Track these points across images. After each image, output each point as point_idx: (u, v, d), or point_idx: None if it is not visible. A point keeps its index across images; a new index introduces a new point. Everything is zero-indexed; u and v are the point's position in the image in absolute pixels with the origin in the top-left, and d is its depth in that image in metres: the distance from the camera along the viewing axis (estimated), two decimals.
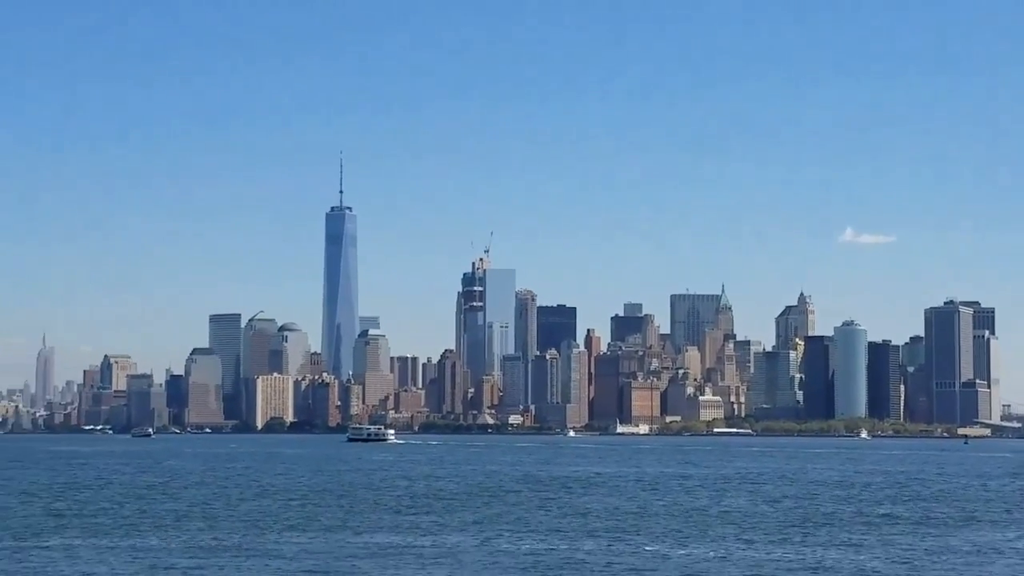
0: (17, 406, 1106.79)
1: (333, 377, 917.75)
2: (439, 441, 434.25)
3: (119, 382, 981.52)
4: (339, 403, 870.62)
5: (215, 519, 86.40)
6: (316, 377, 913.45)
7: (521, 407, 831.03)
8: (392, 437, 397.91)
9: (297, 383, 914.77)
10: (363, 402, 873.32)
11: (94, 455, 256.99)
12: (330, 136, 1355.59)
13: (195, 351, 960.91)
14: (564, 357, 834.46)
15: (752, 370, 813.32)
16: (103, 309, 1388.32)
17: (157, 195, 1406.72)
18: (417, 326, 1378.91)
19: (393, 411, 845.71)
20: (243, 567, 59.21)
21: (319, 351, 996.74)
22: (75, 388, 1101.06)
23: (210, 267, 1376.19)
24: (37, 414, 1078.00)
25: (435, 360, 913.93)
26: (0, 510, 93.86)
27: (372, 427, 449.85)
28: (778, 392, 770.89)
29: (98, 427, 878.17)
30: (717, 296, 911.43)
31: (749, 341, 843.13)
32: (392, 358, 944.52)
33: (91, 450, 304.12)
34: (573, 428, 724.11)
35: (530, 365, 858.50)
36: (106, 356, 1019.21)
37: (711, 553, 66.32)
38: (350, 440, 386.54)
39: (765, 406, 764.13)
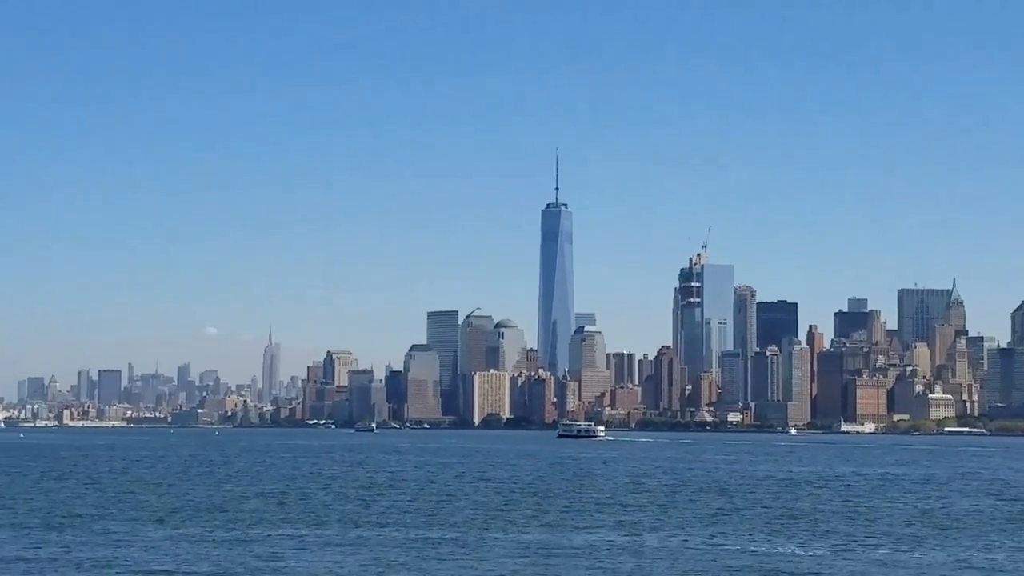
0: (246, 400, 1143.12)
1: (549, 374, 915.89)
2: (650, 438, 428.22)
3: (341, 378, 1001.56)
4: (555, 399, 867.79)
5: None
6: (532, 373, 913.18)
7: (740, 404, 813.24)
8: (602, 434, 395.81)
9: (513, 379, 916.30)
10: (579, 399, 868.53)
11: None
12: (546, 134, 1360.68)
13: (414, 347, 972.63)
14: (785, 354, 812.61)
15: (986, 367, 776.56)
16: (326, 306, 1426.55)
17: (377, 195, 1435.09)
18: (633, 322, 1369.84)
19: (609, 408, 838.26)
20: (464, 562, 52.71)
21: (535, 347, 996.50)
22: (299, 383, 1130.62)
23: (428, 265, 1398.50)
24: (264, 408, 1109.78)
25: (651, 356, 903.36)
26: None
27: (582, 424, 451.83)
28: (1014, 390, 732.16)
29: (321, 421, 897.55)
30: (948, 290, 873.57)
31: (982, 337, 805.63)
32: (608, 354, 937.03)
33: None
34: (795, 426, 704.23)
35: (750, 362, 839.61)
36: (329, 352, 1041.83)
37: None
38: (560, 436, 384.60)
39: (1000, 404, 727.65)
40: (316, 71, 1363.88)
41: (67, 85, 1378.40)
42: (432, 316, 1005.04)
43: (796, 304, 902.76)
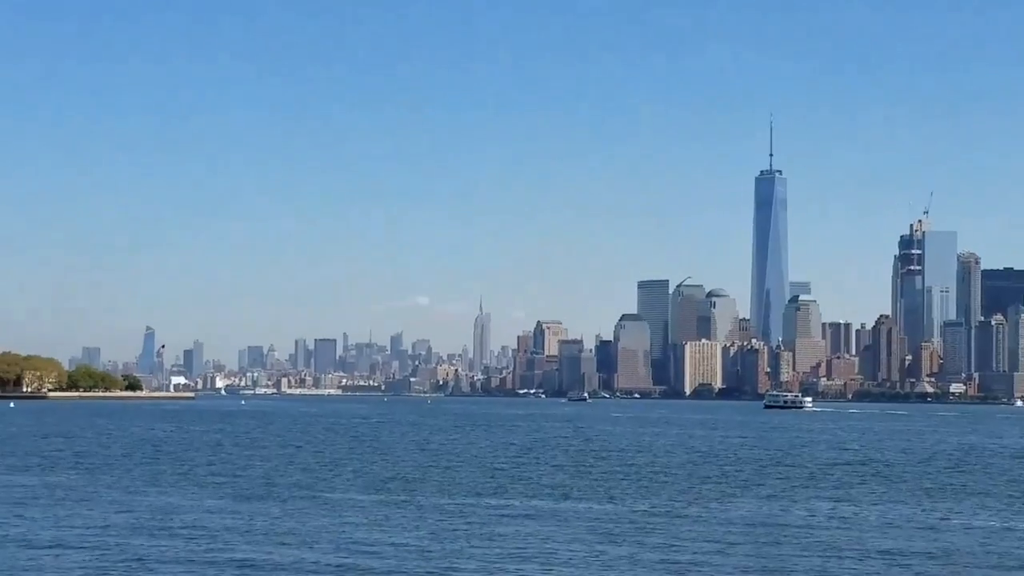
0: (457, 370, 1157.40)
1: (762, 343, 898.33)
2: (858, 410, 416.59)
3: (551, 347, 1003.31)
4: (768, 370, 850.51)
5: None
6: (745, 343, 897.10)
7: (963, 375, 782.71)
8: (809, 405, 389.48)
9: (725, 349, 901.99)
10: (793, 369, 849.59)
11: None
12: (760, 99, 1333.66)
13: (624, 317, 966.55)
14: (1012, 323, 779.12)
15: None
16: (536, 276, 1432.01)
17: (588, 166, 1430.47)
18: (850, 291, 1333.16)
19: (825, 378, 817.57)
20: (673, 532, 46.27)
21: (747, 317, 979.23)
22: (509, 353, 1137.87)
23: (639, 234, 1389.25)
24: (475, 378, 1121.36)
25: (869, 326, 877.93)
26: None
27: (789, 394, 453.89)
28: None
29: (531, 391, 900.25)
30: None
31: None
32: (824, 324, 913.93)
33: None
34: (1021, 398, 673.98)
35: (973, 331, 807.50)
36: (539, 322, 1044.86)
37: None
38: (767, 407, 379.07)
39: None
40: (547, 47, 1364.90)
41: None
42: (643, 285, 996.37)
43: None
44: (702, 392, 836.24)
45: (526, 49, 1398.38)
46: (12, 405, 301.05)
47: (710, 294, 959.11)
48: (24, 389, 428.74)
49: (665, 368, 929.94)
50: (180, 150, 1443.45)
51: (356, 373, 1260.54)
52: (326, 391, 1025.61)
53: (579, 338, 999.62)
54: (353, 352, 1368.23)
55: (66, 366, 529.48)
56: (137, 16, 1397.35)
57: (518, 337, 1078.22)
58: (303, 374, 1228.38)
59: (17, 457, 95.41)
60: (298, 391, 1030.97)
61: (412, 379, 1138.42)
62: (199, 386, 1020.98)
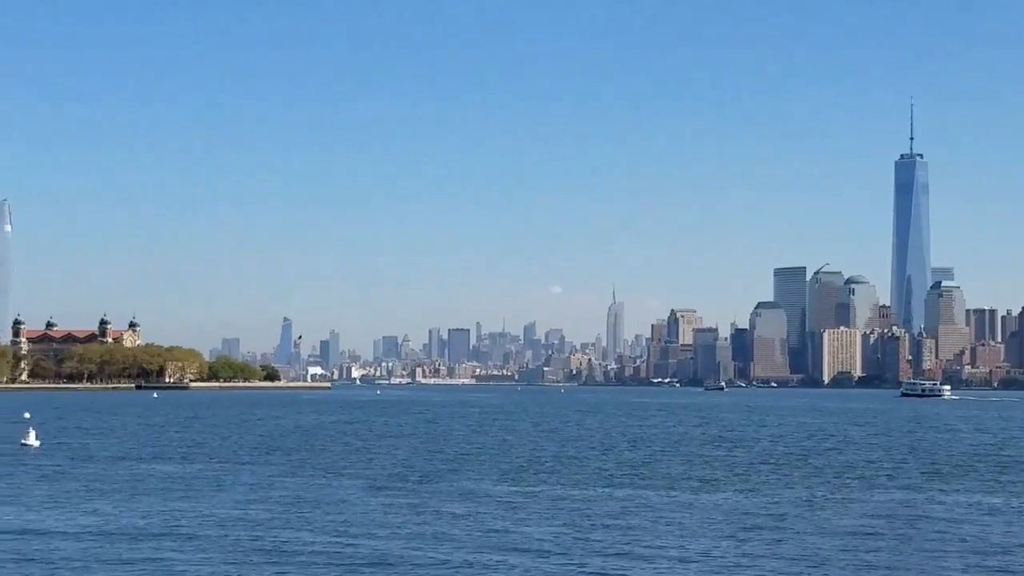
0: (590, 359, 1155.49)
1: (903, 331, 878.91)
2: (999, 398, 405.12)
3: (685, 336, 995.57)
4: (910, 357, 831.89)
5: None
6: (885, 331, 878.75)
7: None
8: (948, 393, 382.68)
9: (865, 337, 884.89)
10: (936, 356, 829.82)
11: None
12: (901, 82, 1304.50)
13: (760, 305, 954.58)
14: None
15: None
16: (670, 264, 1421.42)
17: (724, 149, 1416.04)
18: (995, 277, 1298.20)
19: (969, 366, 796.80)
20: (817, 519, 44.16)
21: (888, 304, 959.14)
22: (643, 342, 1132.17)
23: (775, 220, 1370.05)
24: (608, 367, 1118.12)
25: (1016, 312, 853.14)
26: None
27: (927, 383, 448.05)
28: None
29: (666, 380, 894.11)
30: None
31: None
32: (968, 310, 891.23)
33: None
34: None
35: None
36: (672, 310, 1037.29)
37: None
38: (903, 395, 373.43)
39: None
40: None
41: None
42: (779, 272, 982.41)
43: None
44: (841, 380, 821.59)
45: (665, 38, 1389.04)
46: (156, 395, 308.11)
47: (849, 280, 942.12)
48: (167, 380, 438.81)
49: (803, 356, 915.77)
50: (322, 146, 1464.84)
51: (490, 363, 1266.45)
52: (460, 381, 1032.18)
53: (714, 326, 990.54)
54: (487, 342, 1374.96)
55: (207, 357, 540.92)
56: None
57: (652, 325, 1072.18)
58: (437, 364, 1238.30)
59: (161, 447, 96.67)
60: (432, 381, 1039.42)
61: (545, 368, 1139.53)
62: (335, 376, 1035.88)
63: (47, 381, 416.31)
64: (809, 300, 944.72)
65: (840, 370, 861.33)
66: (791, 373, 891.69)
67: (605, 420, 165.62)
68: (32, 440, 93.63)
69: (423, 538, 43.14)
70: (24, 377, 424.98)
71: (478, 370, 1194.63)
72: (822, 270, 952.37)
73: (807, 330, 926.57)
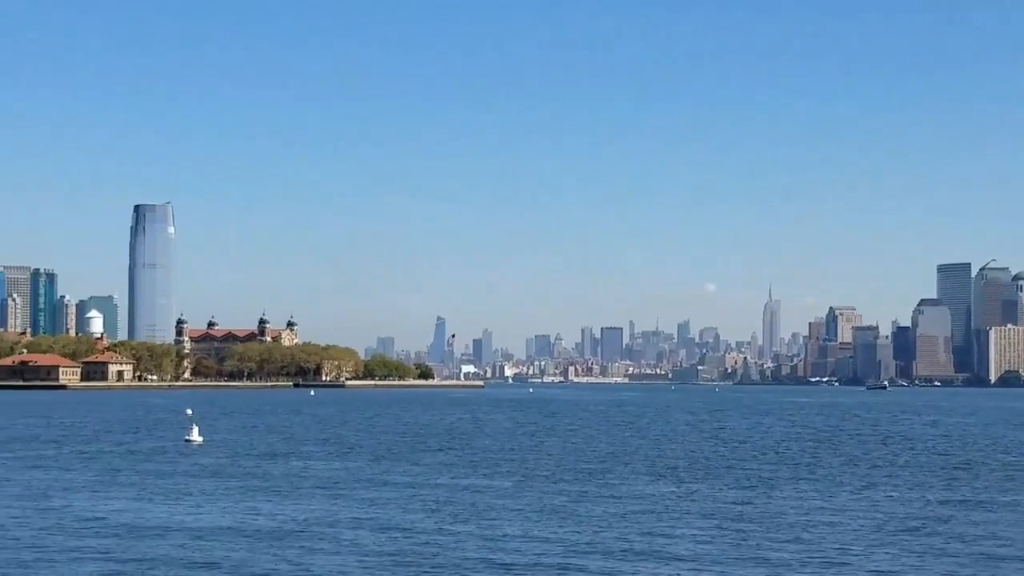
0: (745, 357, 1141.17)
1: None
2: None
3: (844, 334, 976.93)
4: None
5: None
6: None
7: None
8: None
9: None
10: None
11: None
12: None
13: (922, 302, 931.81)
14: None
15: None
16: (827, 261, 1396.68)
17: (875, 145, 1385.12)
18: None
19: None
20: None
21: None
22: (800, 340, 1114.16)
23: (938, 215, 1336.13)
24: (764, 365, 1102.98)
25: None
26: None
27: None
28: None
29: (824, 379, 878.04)
30: None
31: None
32: None
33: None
34: None
35: None
36: (831, 308, 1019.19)
37: None
38: None
39: None
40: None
41: None
42: (942, 269, 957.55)
43: None
44: (1009, 380, 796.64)
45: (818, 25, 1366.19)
46: (312, 393, 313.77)
47: (1016, 277, 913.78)
48: (324, 378, 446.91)
49: (968, 355, 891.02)
50: (479, 145, 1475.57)
51: (643, 361, 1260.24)
52: (613, 379, 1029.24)
53: (874, 324, 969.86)
54: (640, 340, 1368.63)
55: (362, 355, 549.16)
56: None
57: (809, 323, 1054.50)
58: (590, 363, 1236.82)
59: (318, 444, 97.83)
60: (585, 380, 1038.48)
61: (699, 367, 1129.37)
62: (488, 374, 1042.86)
63: (208, 379, 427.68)
64: (974, 297, 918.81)
65: (1008, 368, 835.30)
66: (955, 372, 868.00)
67: (762, 419, 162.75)
68: (195, 436, 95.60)
69: (576, 540, 42.40)
70: (187, 375, 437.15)
71: (631, 369, 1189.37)
72: (988, 266, 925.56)
73: (972, 328, 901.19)
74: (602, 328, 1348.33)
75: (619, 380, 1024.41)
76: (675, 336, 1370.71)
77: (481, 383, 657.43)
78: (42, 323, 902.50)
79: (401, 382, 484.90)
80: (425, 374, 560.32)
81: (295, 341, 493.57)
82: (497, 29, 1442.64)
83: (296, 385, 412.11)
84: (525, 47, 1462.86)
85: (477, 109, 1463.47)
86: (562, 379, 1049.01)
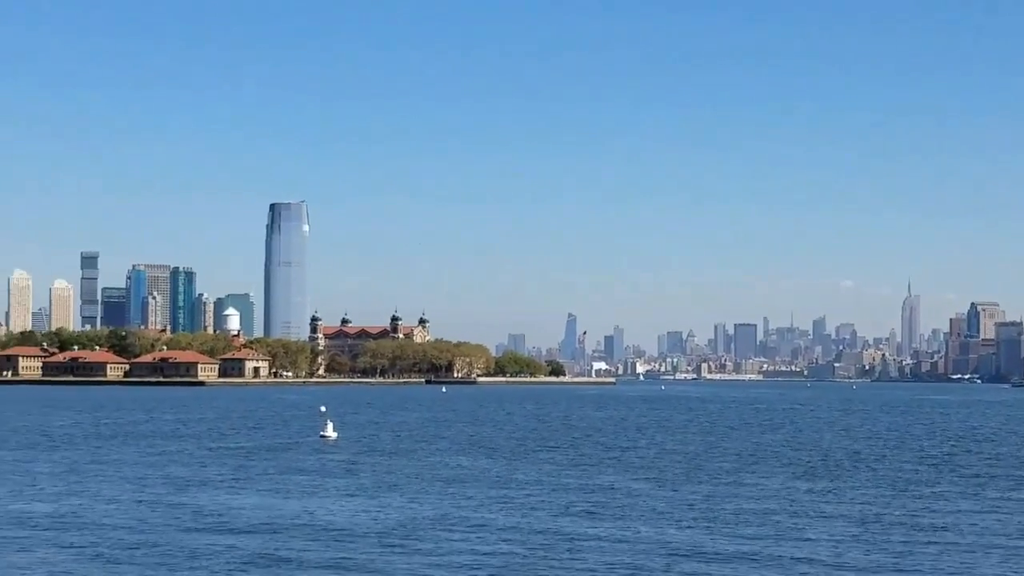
0: (884, 354, 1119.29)
1: None
2: None
3: (987, 330, 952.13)
4: None
5: None
6: None
7: None
8: None
9: None
10: None
11: None
12: None
13: None
14: None
15: None
16: (969, 255, 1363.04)
17: (1014, 132, 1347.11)
18: None
19: None
20: None
21: None
22: (941, 336, 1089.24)
23: None
24: (903, 363, 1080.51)
25: None
26: None
27: None
28: None
29: (965, 376, 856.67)
30: None
31: None
32: None
33: None
34: None
35: None
36: (972, 304, 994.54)
37: None
38: None
39: None
40: None
41: None
42: None
43: None
44: None
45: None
46: (444, 390, 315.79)
47: None
48: (455, 374, 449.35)
49: None
50: (607, 144, 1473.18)
51: (777, 358, 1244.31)
52: (746, 376, 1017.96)
53: (1018, 320, 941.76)
54: (774, 337, 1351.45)
55: (493, 352, 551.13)
56: None
57: (950, 320, 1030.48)
58: (723, 359, 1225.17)
59: (450, 440, 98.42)
60: (718, 376, 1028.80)
61: (836, 364, 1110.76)
62: (619, 371, 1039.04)
63: (342, 376, 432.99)
64: None
65: None
66: None
67: (902, 416, 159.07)
68: (330, 432, 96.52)
69: (704, 540, 41.61)
70: (321, 372, 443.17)
71: (765, 366, 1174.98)
72: None
73: None
74: (735, 324, 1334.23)
75: (753, 377, 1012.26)
76: (810, 332, 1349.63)
77: (613, 380, 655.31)
78: (181, 320, 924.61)
79: (532, 379, 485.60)
80: (556, 371, 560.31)
81: (427, 338, 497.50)
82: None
83: (428, 382, 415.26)
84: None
85: (605, 109, 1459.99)
86: (695, 376, 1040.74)
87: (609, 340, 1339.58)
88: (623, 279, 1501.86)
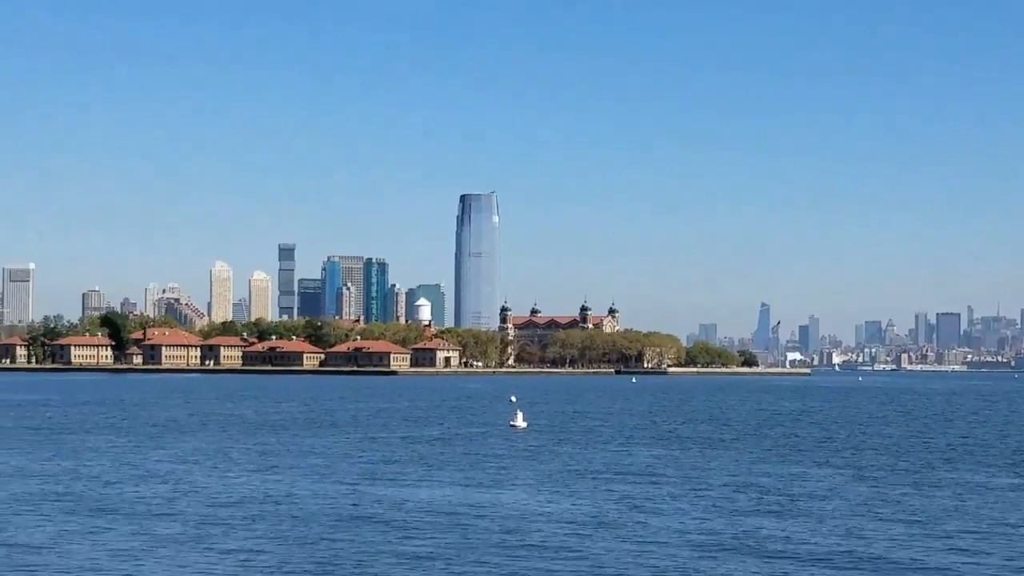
0: None
1: None
2: None
3: None
4: None
5: None
6: None
7: None
8: None
9: None
10: None
11: None
12: None
13: None
14: None
15: None
16: None
17: None
18: None
19: None
20: None
21: None
22: None
23: None
24: None
25: None
26: None
27: None
28: None
29: None
30: None
31: None
32: None
33: None
34: None
35: None
36: None
37: None
38: None
39: None
40: None
41: None
42: None
43: None
44: None
45: None
46: (634, 380, 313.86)
47: None
48: (645, 365, 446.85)
49: None
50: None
51: (982, 348, 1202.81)
52: (949, 367, 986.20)
53: None
54: (979, 326, 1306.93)
55: (684, 342, 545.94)
56: None
57: None
58: (924, 350, 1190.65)
59: (640, 431, 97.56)
60: (918, 367, 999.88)
61: None
62: (814, 362, 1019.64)
63: (531, 366, 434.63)
64: None
65: None
66: None
67: None
68: (520, 422, 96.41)
69: (910, 529, 39.71)
70: (510, 362, 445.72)
71: (969, 356, 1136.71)
72: None
73: None
74: (938, 314, 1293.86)
75: (956, 368, 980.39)
76: (1018, 322, 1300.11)
77: (807, 371, 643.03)
78: (374, 311, 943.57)
79: (724, 369, 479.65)
80: (749, 361, 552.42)
81: (616, 328, 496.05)
82: None
83: (618, 372, 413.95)
84: None
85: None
86: (894, 367, 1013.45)
87: (804, 330, 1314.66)
88: (819, 268, 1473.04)
